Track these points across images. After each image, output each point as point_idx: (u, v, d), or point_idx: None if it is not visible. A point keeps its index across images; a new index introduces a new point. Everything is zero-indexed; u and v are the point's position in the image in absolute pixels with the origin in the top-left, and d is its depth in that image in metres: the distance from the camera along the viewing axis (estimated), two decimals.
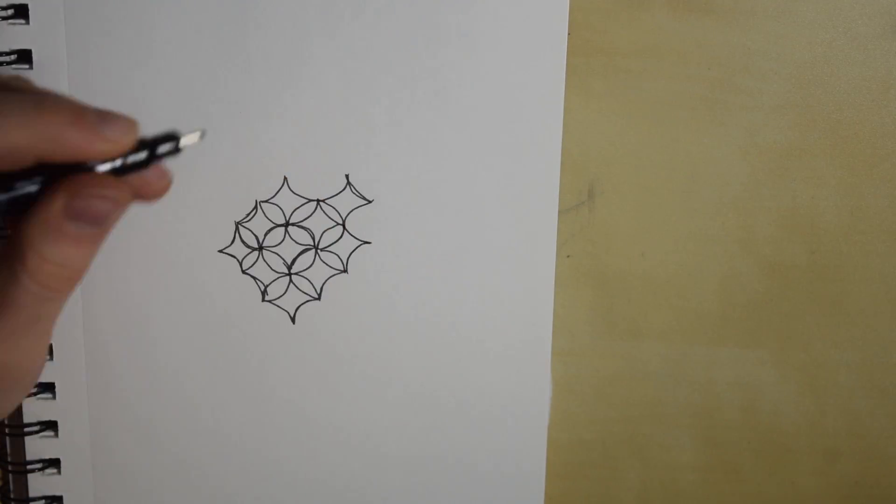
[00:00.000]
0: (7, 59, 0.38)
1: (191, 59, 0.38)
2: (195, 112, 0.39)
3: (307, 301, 0.40)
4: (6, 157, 0.29)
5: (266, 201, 0.40)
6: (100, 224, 0.30)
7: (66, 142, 0.29)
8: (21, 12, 0.37)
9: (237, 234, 0.40)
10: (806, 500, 0.43)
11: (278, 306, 0.40)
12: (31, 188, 0.30)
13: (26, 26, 0.37)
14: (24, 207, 0.30)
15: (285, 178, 0.39)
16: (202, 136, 0.32)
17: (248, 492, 0.42)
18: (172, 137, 0.32)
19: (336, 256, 0.40)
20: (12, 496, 0.41)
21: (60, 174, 0.30)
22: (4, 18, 0.37)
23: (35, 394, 0.40)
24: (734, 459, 0.43)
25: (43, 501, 0.41)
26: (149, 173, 0.32)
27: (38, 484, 0.40)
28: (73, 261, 0.30)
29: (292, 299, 0.40)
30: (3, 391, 0.32)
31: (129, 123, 0.31)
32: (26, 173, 0.30)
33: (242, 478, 0.41)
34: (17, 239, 0.30)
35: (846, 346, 0.42)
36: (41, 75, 0.38)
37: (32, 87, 0.32)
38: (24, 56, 0.38)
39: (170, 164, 0.32)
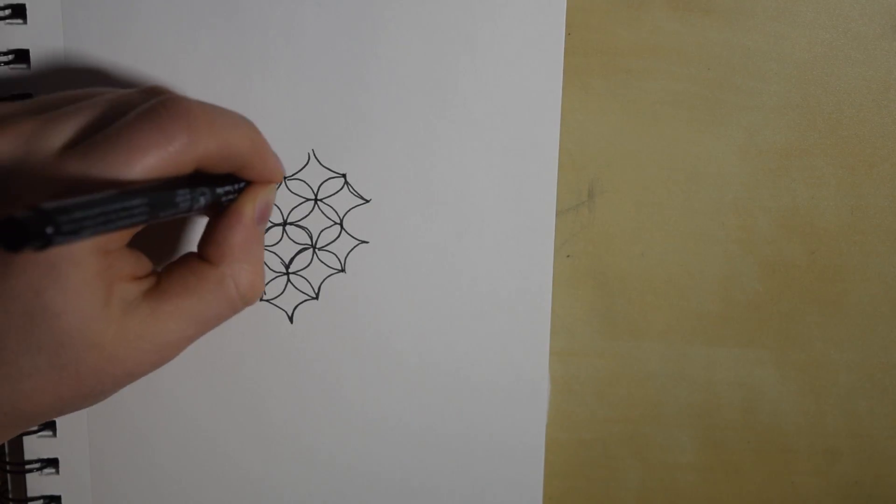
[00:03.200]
0: (5, 58, 0.38)
1: (190, 60, 0.38)
2: None
3: (305, 300, 0.40)
4: (213, 161, 0.31)
5: None
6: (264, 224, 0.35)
7: (264, 163, 0.34)
8: (19, 12, 0.37)
9: None
10: (806, 500, 0.43)
11: (276, 305, 0.40)
12: (232, 195, 0.34)
13: (24, 26, 0.37)
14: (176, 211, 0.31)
15: (283, 178, 0.39)
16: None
17: (247, 490, 0.42)
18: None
19: (334, 256, 0.40)
20: (10, 496, 0.41)
21: (218, 182, 0.33)
22: (2, 18, 0.37)
23: None
24: (734, 459, 0.43)
25: (41, 501, 0.41)
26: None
27: (37, 484, 0.40)
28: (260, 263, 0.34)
29: (290, 299, 0.40)
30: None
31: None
32: (222, 179, 0.33)
33: (240, 476, 0.41)
34: (220, 247, 0.33)
35: (846, 346, 0.42)
36: (39, 75, 0.38)
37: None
38: (22, 56, 0.38)
39: None
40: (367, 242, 0.40)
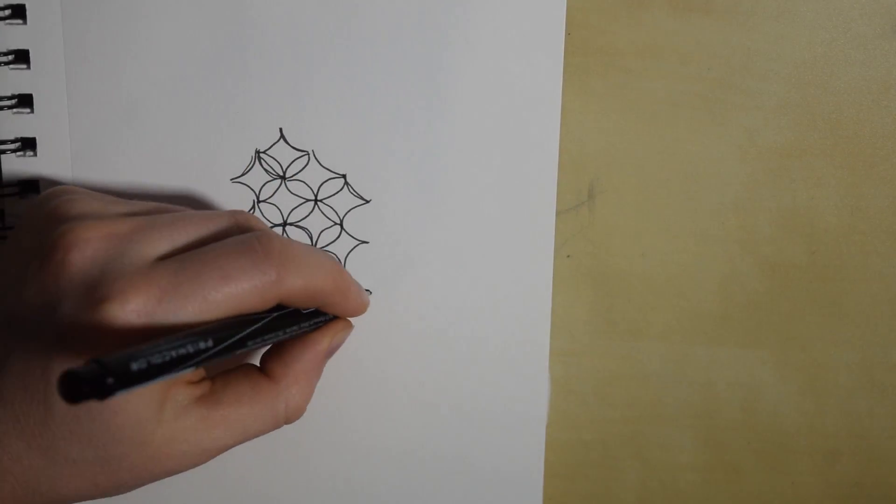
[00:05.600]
0: (5, 59, 0.38)
1: (190, 60, 0.38)
2: (194, 115, 0.39)
3: None
4: (296, 299, 0.33)
5: (264, 201, 0.40)
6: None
7: (346, 301, 0.36)
8: (18, 12, 0.37)
9: None
10: (806, 500, 0.43)
11: None
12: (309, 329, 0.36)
13: (24, 26, 0.37)
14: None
15: (283, 178, 0.39)
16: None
17: (246, 489, 0.41)
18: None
19: (334, 256, 0.40)
20: None
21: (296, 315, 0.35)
22: (2, 19, 0.37)
23: None
24: (734, 459, 0.43)
25: None
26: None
27: None
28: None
29: None
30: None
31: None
32: (306, 315, 0.35)
33: (239, 475, 0.41)
34: (287, 367, 0.35)
35: (846, 346, 0.42)
36: (39, 76, 0.38)
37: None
38: (22, 56, 0.38)
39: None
40: (367, 242, 0.40)
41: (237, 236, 0.32)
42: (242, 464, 0.41)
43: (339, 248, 0.40)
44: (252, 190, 0.40)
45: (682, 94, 0.40)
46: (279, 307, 0.33)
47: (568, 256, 0.41)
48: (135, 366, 0.26)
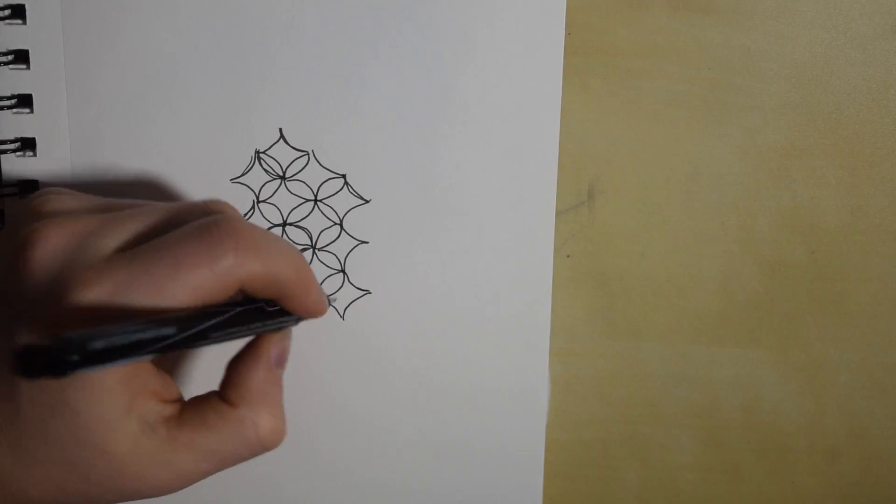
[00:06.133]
0: (5, 58, 0.38)
1: (190, 60, 0.38)
2: (194, 115, 0.39)
3: None
4: (256, 285, 0.32)
5: (264, 201, 0.40)
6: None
7: (307, 294, 0.34)
8: (19, 12, 0.37)
9: None
10: (806, 500, 0.43)
11: None
12: (291, 324, 0.34)
13: (23, 26, 0.37)
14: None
15: (283, 178, 0.39)
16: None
17: (246, 493, 0.42)
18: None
19: (334, 256, 0.40)
20: None
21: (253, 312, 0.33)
22: (2, 18, 0.37)
23: None
24: (734, 459, 0.43)
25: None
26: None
27: None
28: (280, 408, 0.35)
29: None
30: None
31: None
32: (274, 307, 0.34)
33: (239, 479, 0.41)
34: (238, 388, 0.34)
35: (846, 346, 0.42)
36: (38, 76, 0.38)
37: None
38: (22, 56, 0.38)
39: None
40: (367, 242, 0.40)
41: (195, 222, 0.32)
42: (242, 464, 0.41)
43: (339, 248, 0.40)
44: (252, 190, 0.40)
45: (682, 94, 0.40)
46: (245, 301, 0.33)
47: (568, 256, 0.41)
48: (96, 344, 0.26)
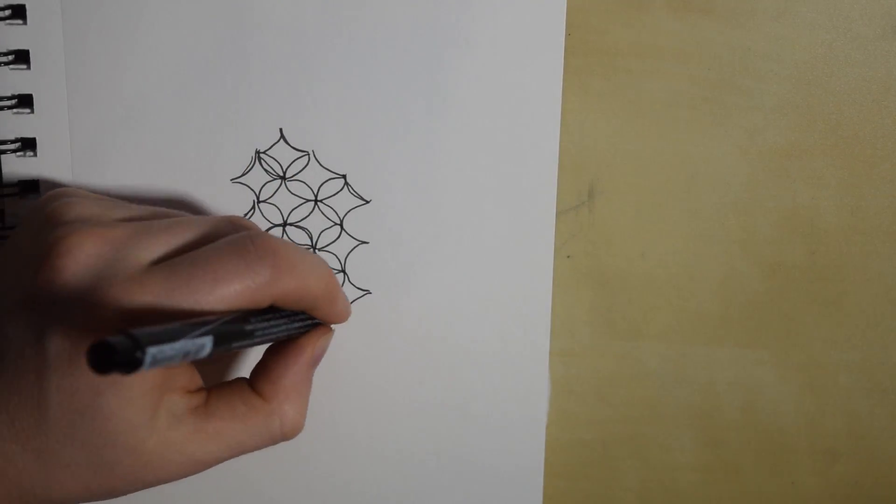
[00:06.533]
0: (5, 58, 0.38)
1: (190, 60, 0.38)
2: (194, 116, 0.39)
3: None
4: (288, 299, 0.33)
5: (264, 201, 0.40)
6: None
7: (333, 305, 0.35)
8: (19, 12, 0.37)
9: None
10: (806, 500, 0.43)
11: None
12: (289, 332, 0.34)
13: (24, 26, 0.37)
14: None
15: (283, 178, 0.39)
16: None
17: (246, 490, 0.42)
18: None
19: (334, 256, 0.40)
20: None
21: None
22: (2, 19, 0.37)
23: None
24: (734, 459, 0.43)
25: None
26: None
27: None
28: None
29: None
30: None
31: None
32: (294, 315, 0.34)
33: (240, 476, 0.41)
34: (275, 385, 0.34)
35: (846, 346, 0.42)
36: (39, 76, 0.38)
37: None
38: (22, 56, 0.38)
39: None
40: (367, 243, 0.40)
41: (230, 237, 0.32)
42: (242, 464, 0.41)
43: (339, 249, 0.40)
44: (252, 190, 0.40)
45: (682, 94, 0.40)
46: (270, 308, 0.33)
47: (568, 257, 0.41)
48: (163, 344, 0.26)
